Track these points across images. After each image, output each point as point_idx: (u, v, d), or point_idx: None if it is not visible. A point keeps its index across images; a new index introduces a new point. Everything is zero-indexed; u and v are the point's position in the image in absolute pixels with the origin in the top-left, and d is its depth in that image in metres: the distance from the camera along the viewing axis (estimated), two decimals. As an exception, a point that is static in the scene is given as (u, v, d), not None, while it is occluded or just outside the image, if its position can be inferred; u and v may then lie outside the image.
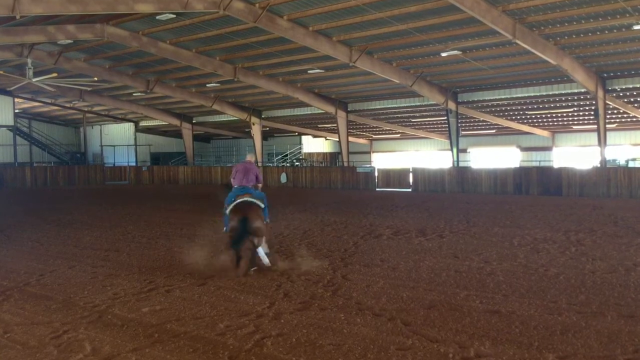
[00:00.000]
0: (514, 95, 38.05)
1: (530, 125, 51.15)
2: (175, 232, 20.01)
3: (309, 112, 49.38)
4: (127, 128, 65.64)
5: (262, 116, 52.81)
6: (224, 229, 13.49)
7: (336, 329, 8.96)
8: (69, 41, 33.24)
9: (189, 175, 54.71)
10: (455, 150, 40.99)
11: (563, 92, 36.04)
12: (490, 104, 41.04)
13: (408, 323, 9.13)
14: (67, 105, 57.12)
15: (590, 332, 8.67)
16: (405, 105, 43.69)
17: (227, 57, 36.01)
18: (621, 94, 35.69)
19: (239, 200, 13.06)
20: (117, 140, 66.03)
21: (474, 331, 8.73)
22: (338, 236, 18.48)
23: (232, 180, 14.08)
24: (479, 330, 8.79)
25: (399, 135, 61.94)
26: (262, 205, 13.30)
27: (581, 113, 43.59)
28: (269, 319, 9.46)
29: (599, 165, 34.47)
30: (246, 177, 13.86)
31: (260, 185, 14.17)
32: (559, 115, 45.19)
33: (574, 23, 26.10)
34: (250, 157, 14.69)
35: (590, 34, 27.38)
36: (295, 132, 61.90)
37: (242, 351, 8.14)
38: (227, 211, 13.08)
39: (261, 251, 13.03)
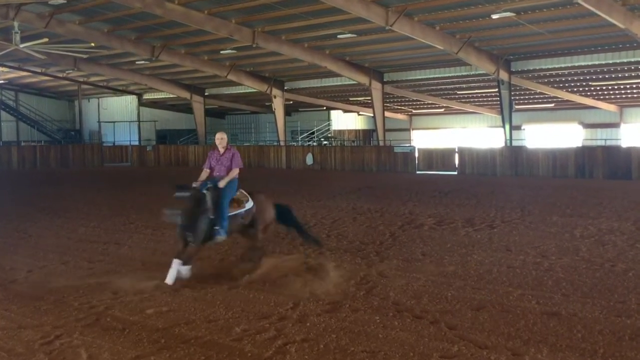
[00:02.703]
0: (576, 64, 37.66)
1: (594, 99, 50.72)
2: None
3: (339, 83, 49.26)
4: (129, 102, 65.89)
5: (285, 88, 52.84)
6: (221, 233, 12.60)
7: (370, 333, 8.98)
8: (62, 1, 33.29)
9: (201, 156, 54.45)
10: (507, 127, 40.79)
11: (632, 60, 35.61)
12: (548, 73, 40.70)
13: (453, 327, 9.14)
14: (60, 75, 57.23)
15: (664, 338, 8.63)
16: (450, 75, 43.46)
17: (245, 20, 35.92)
18: (700, 61, 35.34)
19: None
20: (118, 116, 66.29)
21: (529, 336, 8.72)
22: (372, 226, 18.52)
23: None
24: (535, 335, 8.78)
25: (442, 109, 61.67)
26: None
27: (654, 84, 43.25)
28: (293, 322, 9.51)
29: (675, 145, 34.19)
30: None
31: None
32: (628, 86, 44.72)
33: (646, -21, 25.83)
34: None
35: (665, -8, 27.08)
36: (323, 106, 61.79)
37: (261, 359, 8.18)
38: None
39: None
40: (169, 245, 15.83)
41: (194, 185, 12.31)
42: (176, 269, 11.79)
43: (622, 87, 44.97)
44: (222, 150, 12.93)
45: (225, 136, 13.16)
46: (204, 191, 12.13)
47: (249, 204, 12.78)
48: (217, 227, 12.07)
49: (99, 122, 66.16)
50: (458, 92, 51.10)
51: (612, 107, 53.74)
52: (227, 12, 34.59)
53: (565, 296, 10.58)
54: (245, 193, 12.93)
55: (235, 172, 12.72)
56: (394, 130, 61.03)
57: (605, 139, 49.70)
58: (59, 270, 13.47)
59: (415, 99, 54.03)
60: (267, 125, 65.64)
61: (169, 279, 11.68)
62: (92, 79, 58.93)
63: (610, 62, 36.19)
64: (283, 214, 13.73)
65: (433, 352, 8.21)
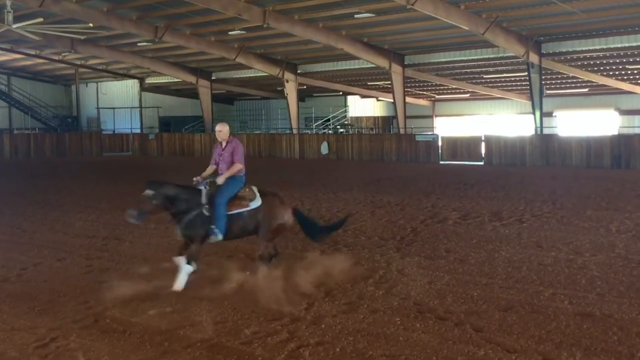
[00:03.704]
0: (611, 46, 37.41)
1: (631, 83, 50.51)
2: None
3: (357, 67, 49.13)
4: (130, 86, 65.89)
5: (298, 71, 52.70)
6: (216, 233, 11.99)
7: (390, 335, 9.00)
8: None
9: (207, 145, 54.30)
10: (538, 113, 40.66)
11: (673, 41, 35.48)
12: (581, 56, 40.52)
13: (480, 329, 9.15)
14: (56, 58, 57.34)
15: None
16: (475, 57, 43.31)
17: (254, -2, 35.91)
18: None
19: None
20: (118, 102, 66.34)
21: (561, 339, 8.72)
22: (392, 221, 18.54)
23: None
24: (567, 337, 8.78)
25: (467, 95, 61.63)
26: None
27: (697, 67, 43.04)
28: (307, 324, 9.53)
29: None
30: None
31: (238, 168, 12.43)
32: (669, 70, 44.63)
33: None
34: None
35: None
36: (339, 91, 61.73)
37: (272, 363, 8.19)
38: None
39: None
40: (172, 240, 15.87)
41: (194, 180, 12.02)
42: (185, 272, 11.33)
43: (661, 70, 44.87)
44: (224, 144, 12.62)
45: (224, 128, 12.78)
46: (202, 187, 11.87)
47: (255, 204, 12.09)
48: (213, 227, 11.68)
49: (97, 108, 66.17)
50: (484, 76, 50.98)
51: (650, 92, 53.59)
52: (236, -11, 34.57)
53: (600, 296, 10.57)
54: (254, 190, 12.28)
55: (236, 168, 12.24)
56: (416, 117, 60.91)
57: (644, 127, 49.57)
58: (54, 267, 13.53)
59: (438, 83, 53.96)
60: (278, 112, 65.53)
61: (178, 285, 11.26)
62: (90, 62, 58.97)
63: (649, 43, 36.08)
64: (307, 224, 13.07)
65: (458, 356, 8.21)
